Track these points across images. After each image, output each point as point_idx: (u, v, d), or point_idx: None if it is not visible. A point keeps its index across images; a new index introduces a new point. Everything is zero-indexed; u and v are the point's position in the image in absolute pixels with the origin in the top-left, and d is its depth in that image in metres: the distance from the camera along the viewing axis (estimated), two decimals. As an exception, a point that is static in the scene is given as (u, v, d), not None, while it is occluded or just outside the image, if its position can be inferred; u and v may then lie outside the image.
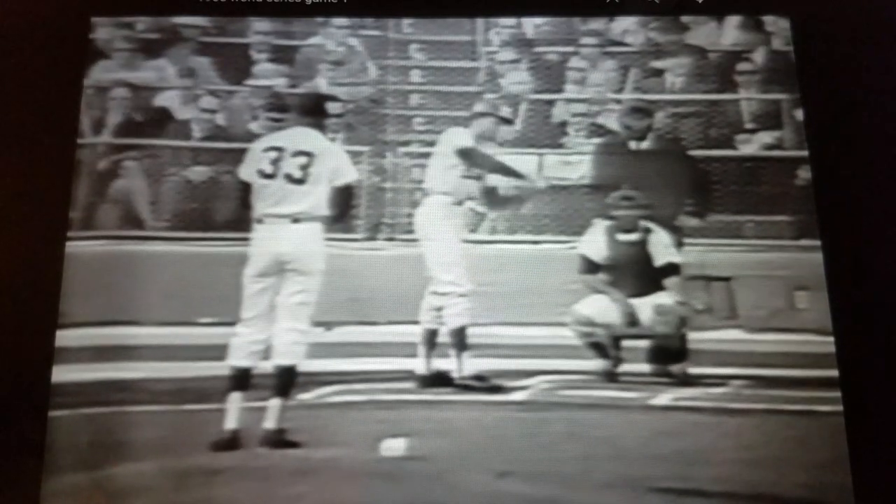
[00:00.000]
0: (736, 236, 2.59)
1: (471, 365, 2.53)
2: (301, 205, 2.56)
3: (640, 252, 2.71)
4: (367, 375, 2.47)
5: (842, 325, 2.23)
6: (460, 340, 2.58)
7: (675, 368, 2.49)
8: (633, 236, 2.70)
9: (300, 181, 2.57)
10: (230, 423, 2.37)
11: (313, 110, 2.65)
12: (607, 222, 2.67)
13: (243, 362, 2.45)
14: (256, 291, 2.50)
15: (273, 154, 2.59)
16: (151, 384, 2.35)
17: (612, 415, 2.36)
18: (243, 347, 2.45)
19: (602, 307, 2.63)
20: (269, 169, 2.57)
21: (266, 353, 2.47)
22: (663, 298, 2.62)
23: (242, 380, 2.43)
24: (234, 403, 2.39)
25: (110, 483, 2.18)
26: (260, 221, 2.55)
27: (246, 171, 2.59)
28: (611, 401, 2.42)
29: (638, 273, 2.70)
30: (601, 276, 2.68)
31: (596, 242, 2.67)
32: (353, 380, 2.47)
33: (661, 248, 2.68)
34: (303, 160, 2.58)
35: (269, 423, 2.39)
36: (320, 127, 2.65)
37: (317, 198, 2.57)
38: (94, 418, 2.24)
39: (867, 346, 2.22)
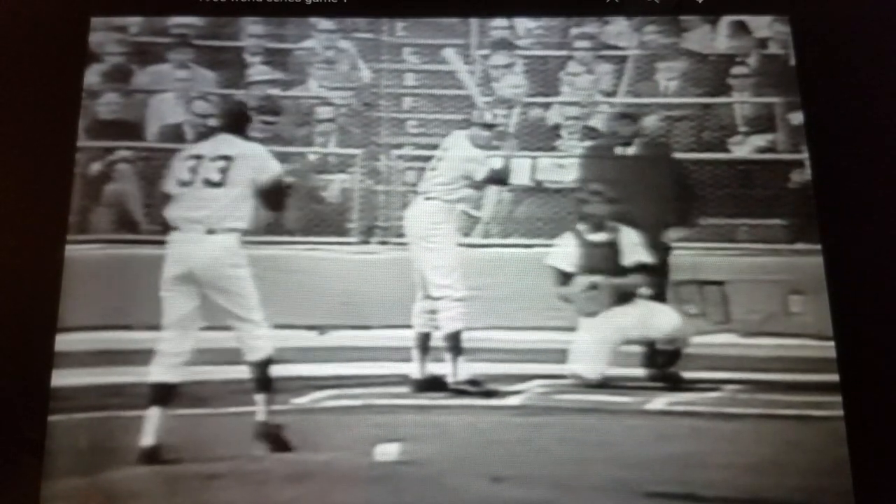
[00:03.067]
0: (729, 240, 2.59)
1: (465, 369, 2.53)
2: (215, 208, 2.53)
3: (612, 253, 2.69)
4: (361, 380, 2.46)
5: (842, 329, 2.23)
6: (455, 345, 2.58)
7: (668, 372, 2.48)
8: (603, 236, 2.68)
9: (218, 184, 2.54)
10: (148, 439, 2.31)
11: (237, 120, 2.64)
12: (577, 226, 2.65)
13: (165, 377, 2.38)
14: (171, 297, 2.46)
15: (192, 162, 2.56)
16: (147, 388, 2.34)
17: (606, 419, 2.37)
18: (164, 361, 2.39)
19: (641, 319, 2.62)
20: (186, 176, 2.55)
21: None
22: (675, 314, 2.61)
23: (164, 394, 2.36)
24: (153, 419, 2.33)
25: (109, 487, 2.18)
26: (175, 228, 2.52)
27: (167, 183, 2.56)
28: (605, 405, 2.42)
29: (613, 275, 2.68)
30: (579, 287, 2.66)
31: (566, 250, 2.64)
32: (347, 384, 2.47)
33: (630, 247, 2.67)
34: (222, 164, 2.56)
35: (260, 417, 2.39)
36: (243, 133, 2.62)
37: (233, 201, 2.54)
38: (92, 422, 2.24)
39: (867, 350, 2.21)
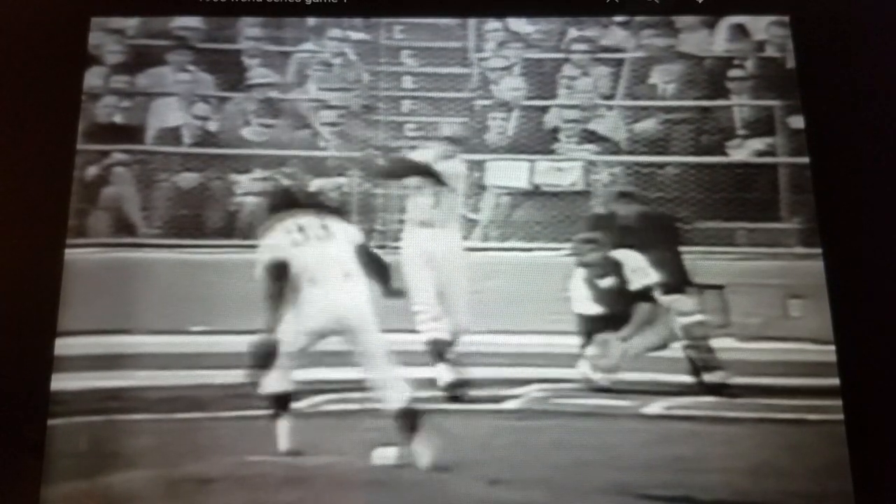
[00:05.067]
0: (729, 244, 2.58)
1: (462, 372, 2.52)
2: None
3: (623, 286, 2.67)
4: (360, 384, 2.45)
5: (842, 333, 2.22)
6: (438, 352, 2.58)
7: (709, 378, 2.46)
8: (611, 280, 2.65)
9: None
10: None
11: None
12: (583, 272, 2.63)
13: None
14: None
15: None
16: (146, 393, 2.34)
17: (604, 423, 2.36)
18: None
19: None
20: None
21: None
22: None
23: None
24: None
25: (108, 491, 2.19)
26: None
27: None
28: (603, 409, 2.41)
29: (626, 306, 2.68)
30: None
31: (584, 296, 2.63)
32: (346, 388, 2.46)
33: (632, 273, 2.65)
34: None
35: None
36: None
37: None
38: (91, 426, 2.25)
39: (868, 354, 2.21)
